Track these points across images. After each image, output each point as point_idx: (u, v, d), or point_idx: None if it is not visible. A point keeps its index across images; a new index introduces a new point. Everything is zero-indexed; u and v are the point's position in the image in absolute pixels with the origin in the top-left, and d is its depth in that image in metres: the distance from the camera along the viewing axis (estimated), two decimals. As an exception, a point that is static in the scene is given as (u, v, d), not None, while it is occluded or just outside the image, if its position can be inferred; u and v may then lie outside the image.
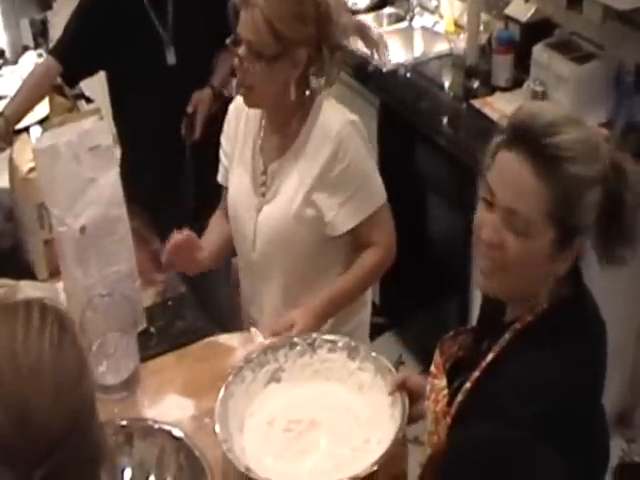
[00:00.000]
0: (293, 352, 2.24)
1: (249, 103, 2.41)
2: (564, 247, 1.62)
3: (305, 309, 2.41)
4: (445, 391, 1.80)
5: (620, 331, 2.76)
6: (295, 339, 2.26)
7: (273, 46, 2.25)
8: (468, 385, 1.72)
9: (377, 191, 2.47)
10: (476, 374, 1.71)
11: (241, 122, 2.53)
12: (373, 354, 2.20)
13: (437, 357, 1.90)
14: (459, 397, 1.74)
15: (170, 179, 3.30)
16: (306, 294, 2.49)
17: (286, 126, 2.43)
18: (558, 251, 1.62)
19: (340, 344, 2.23)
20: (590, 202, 1.59)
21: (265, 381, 2.21)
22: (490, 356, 1.70)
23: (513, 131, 1.62)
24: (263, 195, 2.48)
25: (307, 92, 2.40)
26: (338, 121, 2.38)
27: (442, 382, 1.83)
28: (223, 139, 2.60)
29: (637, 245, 1.65)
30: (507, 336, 1.69)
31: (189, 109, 3.28)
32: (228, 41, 2.34)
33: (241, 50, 2.29)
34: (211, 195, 2.78)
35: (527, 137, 1.58)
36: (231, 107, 2.58)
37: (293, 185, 2.42)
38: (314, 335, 2.27)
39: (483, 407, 1.66)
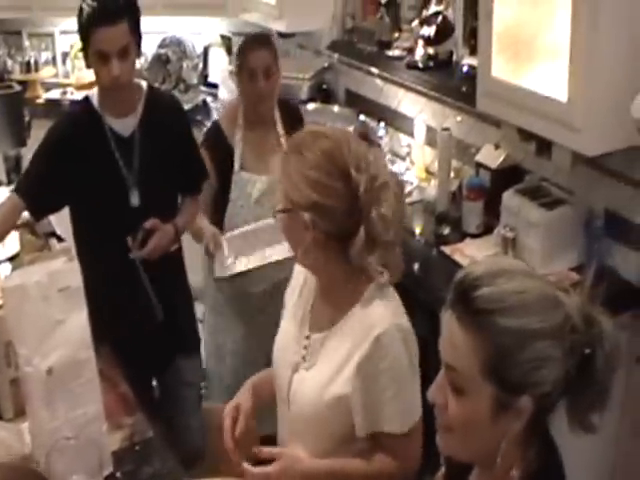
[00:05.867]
0: None
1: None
2: (507, 406, 1.52)
3: (299, 462, 2.28)
4: None
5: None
6: None
7: (282, 200, 2.24)
8: None
9: (408, 408, 2.27)
10: None
11: (308, 279, 2.45)
12: None
13: None
14: None
15: (132, 313, 3.29)
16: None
17: (336, 300, 2.31)
18: (501, 411, 1.52)
19: None
20: (533, 357, 1.49)
21: None
22: None
23: (452, 289, 1.58)
24: (303, 358, 2.36)
25: (363, 277, 2.28)
26: (385, 322, 2.21)
27: None
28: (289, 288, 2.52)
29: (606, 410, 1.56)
30: None
31: (147, 224, 3.23)
32: None
33: None
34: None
35: (457, 292, 1.56)
36: None
37: (330, 369, 2.28)
38: None
39: None
